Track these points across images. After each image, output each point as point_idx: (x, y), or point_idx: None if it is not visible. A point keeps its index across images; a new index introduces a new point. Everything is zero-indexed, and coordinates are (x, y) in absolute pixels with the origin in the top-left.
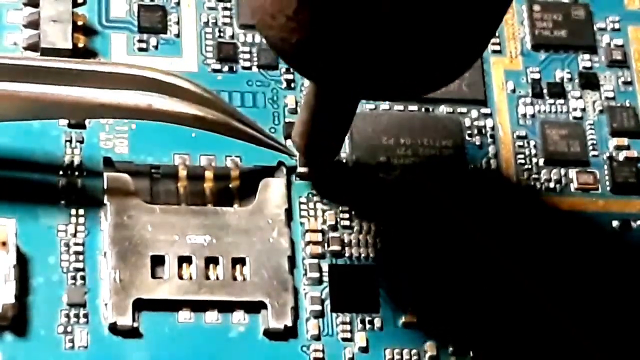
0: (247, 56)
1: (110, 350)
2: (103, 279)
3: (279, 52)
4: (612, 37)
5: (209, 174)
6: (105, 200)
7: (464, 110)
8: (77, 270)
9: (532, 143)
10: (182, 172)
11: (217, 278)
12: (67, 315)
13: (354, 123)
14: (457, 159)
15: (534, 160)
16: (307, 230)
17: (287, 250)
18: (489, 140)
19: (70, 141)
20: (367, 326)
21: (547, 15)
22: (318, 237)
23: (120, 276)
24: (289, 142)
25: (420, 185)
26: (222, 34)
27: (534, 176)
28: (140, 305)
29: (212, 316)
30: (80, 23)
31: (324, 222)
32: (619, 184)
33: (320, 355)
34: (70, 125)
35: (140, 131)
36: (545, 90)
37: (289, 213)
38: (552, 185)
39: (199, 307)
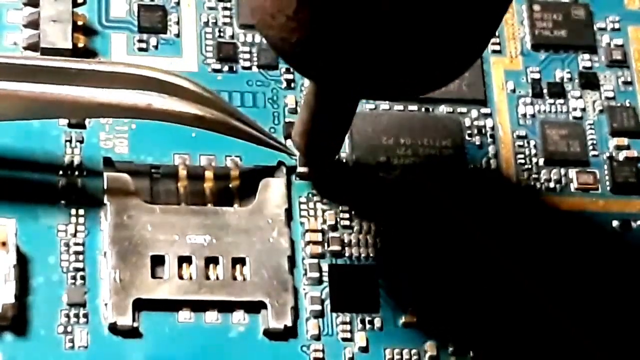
0: (247, 56)
1: (110, 350)
2: (103, 279)
3: (279, 52)
4: (612, 37)
5: (209, 174)
6: (105, 200)
7: (464, 110)
8: (77, 270)
9: (532, 143)
10: (182, 172)
11: (217, 278)
12: (67, 315)
13: (354, 123)
14: (457, 159)
15: (534, 160)
16: (307, 230)
17: (287, 250)
18: (489, 140)
19: (70, 141)
20: (367, 326)
21: (547, 15)
22: (318, 237)
23: (120, 276)
24: (289, 142)
25: (420, 185)
26: (222, 34)
27: (534, 176)
28: (140, 305)
29: (212, 316)
30: (80, 23)
31: (324, 222)
32: (619, 184)
33: (320, 355)
34: (70, 125)
35: (140, 131)
36: (545, 90)
37: (289, 213)
38: (552, 185)
39: (199, 307)
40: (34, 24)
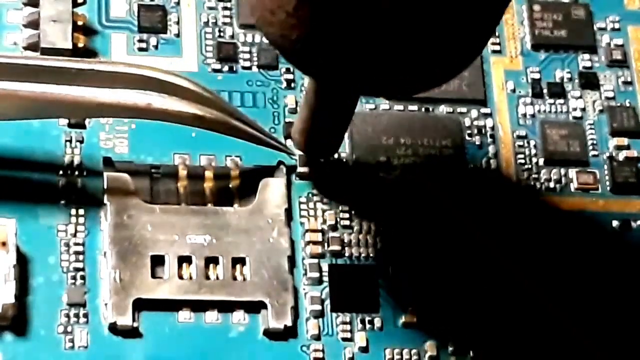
0: (247, 56)
1: (110, 350)
2: (103, 279)
3: (279, 49)
4: (612, 37)
5: (209, 174)
6: (105, 200)
7: (463, 110)
8: (77, 270)
9: (532, 143)
10: (182, 172)
11: (217, 278)
12: (67, 315)
13: (354, 123)
14: (457, 159)
15: (534, 160)
16: (307, 230)
17: (287, 250)
18: (489, 140)
19: (70, 141)
20: (367, 326)
21: (547, 15)
22: (318, 237)
23: (120, 276)
24: (289, 142)
25: (420, 185)
26: (222, 34)
27: (534, 176)
28: (140, 305)
29: (212, 316)
30: (80, 23)
31: (324, 222)
32: (619, 184)
33: (320, 355)
34: (70, 125)
35: (140, 131)
36: (545, 90)
37: (289, 213)
38: (552, 185)
39: (199, 307)
40: (34, 24)
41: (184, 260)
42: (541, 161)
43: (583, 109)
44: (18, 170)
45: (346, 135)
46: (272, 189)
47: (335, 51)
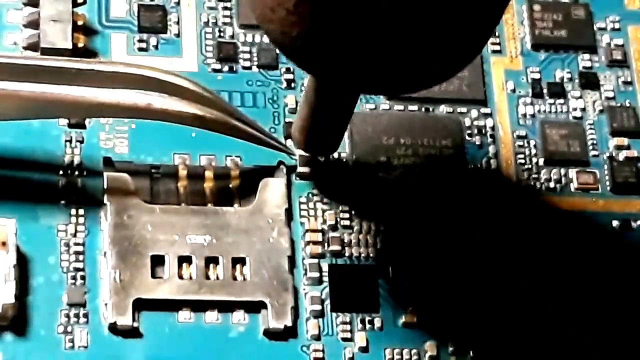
0: (247, 56)
1: (110, 350)
2: (103, 279)
3: (279, 46)
4: (612, 37)
5: (209, 174)
6: (105, 200)
7: (464, 110)
8: (77, 270)
9: (532, 143)
10: (182, 172)
11: (217, 278)
12: (67, 315)
13: (354, 123)
14: (457, 159)
15: (534, 160)
16: (307, 230)
17: (287, 250)
18: (489, 140)
19: (70, 141)
20: (367, 326)
21: (547, 15)
22: (318, 237)
23: (120, 276)
24: (289, 142)
25: (420, 185)
26: (222, 34)
27: (534, 176)
28: (140, 305)
29: (212, 316)
30: (80, 23)
31: (324, 222)
32: (619, 184)
33: (320, 355)
34: (70, 125)
35: (140, 131)
36: (545, 90)
37: (289, 213)
38: (552, 185)
39: (199, 307)
40: (34, 24)
41: (184, 260)
42: (541, 161)
43: (583, 109)
44: (18, 170)
45: (346, 135)
46: (272, 189)
47: (335, 48)
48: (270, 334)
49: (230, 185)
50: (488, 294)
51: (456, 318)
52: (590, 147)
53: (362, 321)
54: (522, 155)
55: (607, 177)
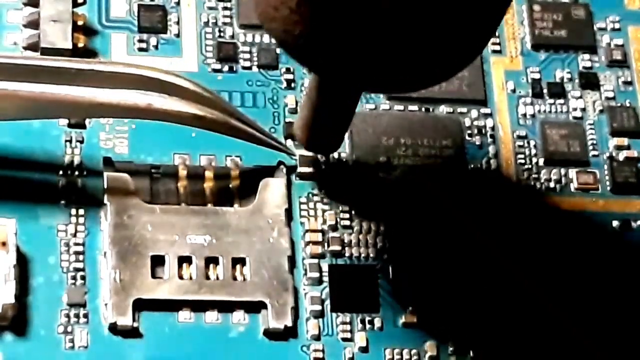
0: (247, 56)
1: (110, 350)
2: (103, 279)
3: (281, 44)
4: (612, 37)
5: (209, 174)
6: (105, 200)
7: (464, 110)
8: (77, 270)
9: (532, 143)
10: (182, 172)
11: (217, 278)
12: (67, 315)
13: (354, 123)
14: (457, 159)
15: (534, 160)
16: (307, 230)
17: (287, 250)
18: (489, 140)
19: (70, 141)
20: (367, 326)
21: (547, 15)
22: (318, 237)
23: (120, 276)
24: (289, 142)
25: (420, 185)
26: (222, 34)
27: (534, 176)
28: (140, 305)
29: (212, 316)
30: (80, 23)
31: (324, 222)
32: (619, 184)
33: (320, 355)
34: (70, 125)
35: (140, 131)
36: (545, 90)
37: (289, 213)
38: (552, 185)
39: (199, 307)
40: (34, 24)
41: (184, 260)
42: (541, 161)
43: (583, 109)
44: (18, 170)
45: (346, 135)
46: (272, 189)
47: (338, 47)
48: (270, 334)
49: (230, 185)
50: (488, 294)
51: (456, 318)
52: (590, 147)
53: (362, 321)
54: (522, 156)
55: (607, 177)
